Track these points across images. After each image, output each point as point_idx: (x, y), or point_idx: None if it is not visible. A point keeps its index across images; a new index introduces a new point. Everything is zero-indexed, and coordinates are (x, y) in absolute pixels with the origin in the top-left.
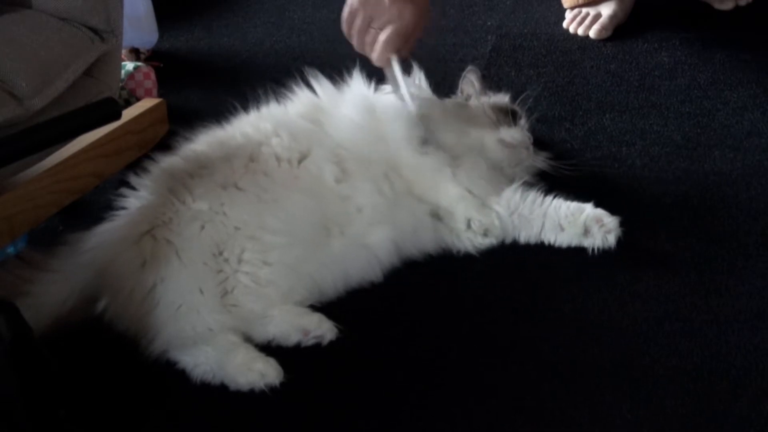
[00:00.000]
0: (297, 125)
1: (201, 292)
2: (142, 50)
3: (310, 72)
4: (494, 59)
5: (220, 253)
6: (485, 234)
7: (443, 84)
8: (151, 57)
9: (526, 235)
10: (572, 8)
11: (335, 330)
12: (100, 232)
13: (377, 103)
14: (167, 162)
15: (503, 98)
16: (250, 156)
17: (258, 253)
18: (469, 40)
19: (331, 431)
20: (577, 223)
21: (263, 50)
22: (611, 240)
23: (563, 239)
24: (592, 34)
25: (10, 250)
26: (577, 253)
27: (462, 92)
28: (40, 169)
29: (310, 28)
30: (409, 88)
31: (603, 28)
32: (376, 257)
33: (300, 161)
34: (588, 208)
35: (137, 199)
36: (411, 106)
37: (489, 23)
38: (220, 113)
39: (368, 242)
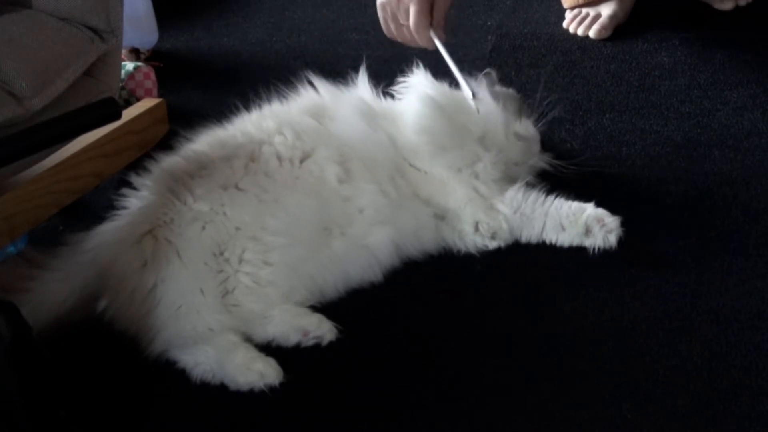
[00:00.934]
0: (301, 123)
1: (201, 292)
2: (142, 50)
3: (311, 72)
4: (494, 59)
5: (221, 254)
6: (493, 237)
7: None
8: (151, 57)
9: (528, 234)
10: (572, 8)
11: (335, 331)
12: (101, 232)
13: (382, 106)
14: (168, 162)
15: (513, 93)
16: (250, 156)
17: (259, 254)
18: (469, 40)
19: (331, 431)
20: (579, 222)
21: (263, 50)
22: (612, 240)
23: (564, 239)
24: (592, 34)
25: (11, 249)
26: (577, 253)
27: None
28: (40, 169)
29: (310, 28)
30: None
31: (603, 28)
32: (376, 258)
33: (302, 161)
34: (589, 208)
35: (138, 199)
36: (468, 91)
37: (489, 23)
38: (220, 113)
39: (368, 243)
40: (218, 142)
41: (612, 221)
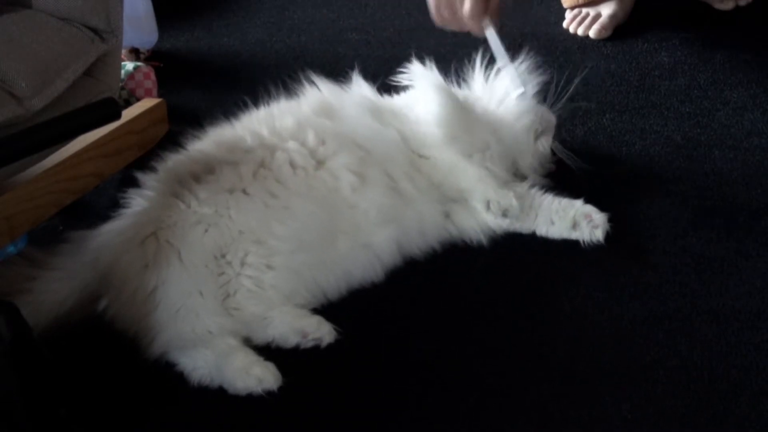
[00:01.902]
0: (320, 125)
1: (201, 294)
2: (142, 50)
3: (312, 72)
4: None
5: (223, 256)
6: (504, 214)
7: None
8: (151, 57)
9: (519, 227)
10: (572, 8)
11: (334, 332)
12: (104, 232)
13: (384, 102)
14: (174, 162)
15: (552, 117)
16: (260, 162)
17: (262, 257)
18: (469, 40)
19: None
20: (567, 217)
21: (263, 50)
22: (598, 235)
23: (554, 232)
24: (592, 34)
25: (11, 249)
26: (577, 253)
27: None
28: (40, 169)
29: (310, 28)
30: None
31: (603, 28)
32: (378, 258)
33: (317, 168)
34: (578, 204)
35: (143, 198)
36: (518, 79)
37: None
38: (220, 113)
39: (371, 243)
40: (226, 144)
41: (599, 218)
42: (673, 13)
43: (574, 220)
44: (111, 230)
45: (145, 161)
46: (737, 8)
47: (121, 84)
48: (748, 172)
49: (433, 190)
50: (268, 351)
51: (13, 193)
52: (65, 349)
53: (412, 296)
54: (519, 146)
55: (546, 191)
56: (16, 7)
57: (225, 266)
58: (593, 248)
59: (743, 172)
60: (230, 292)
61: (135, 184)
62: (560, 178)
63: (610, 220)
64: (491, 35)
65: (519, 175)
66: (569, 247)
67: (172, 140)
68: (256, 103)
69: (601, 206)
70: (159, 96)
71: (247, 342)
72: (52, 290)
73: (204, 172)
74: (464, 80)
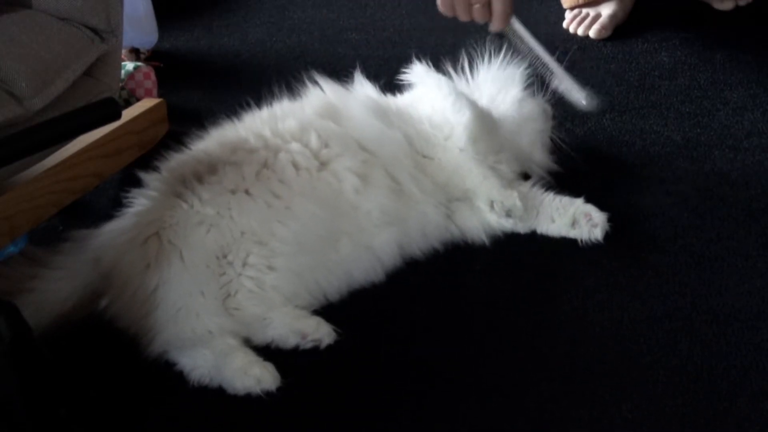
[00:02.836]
0: (325, 127)
1: (202, 294)
2: (142, 50)
3: (313, 72)
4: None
5: (225, 256)
6: (508, 214)
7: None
8: (151, 57)
9: (522, 226)
10: (572, 8)
11: (333, 334)
12: (107, 231)
13: (388, 101)
14: (177, 162)
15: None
16: (263, 163)
17: (264, 258)
18: (469, 40)
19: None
20: (567, 215)
21: (263, 50)
22: (597, 234)
23: (554, 230)
24: (592, 34)
25: (12, 249)
26: (577, 253)
27: None
28: (40, 169)
29: (310, 28)
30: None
31: (603, 28)
32: (379, 259)
33: (320, 170)
34: (578, 202)
35: (146, 198)
36: (551, 66)
37: (489, 23)
38: (220, 113)
39: (373, 244)
40: (229, 144)
41: (598, 217)
42: (673, 13)
43: (573, 218)
44: (113, 230)
45: (146, 161)
46: (737, 8)
47: (121, 84)
48: (748, 172)
49: (437, 192)
50: (268, 351)
51: (13, 193)
52: (65, 349)
53: (412, 296)
54: (531, 144)
55: (546, 190)
56: (16, 7)
57: (226, 267)
58: (593, 248)
59: (743, 172)
60: (231, 292)
61: (137, 183)
62: (561, 178)
63: (609, 220)
64: (519, 27)
65: (523, 174)
66: (569, 247)
67: (173, 140)
68: (258, 103)
69: (600, 206)
70: (159, 96)
71: (247, 342)
72: (54, 289)
73: (207, 172)
74: (468, 78)
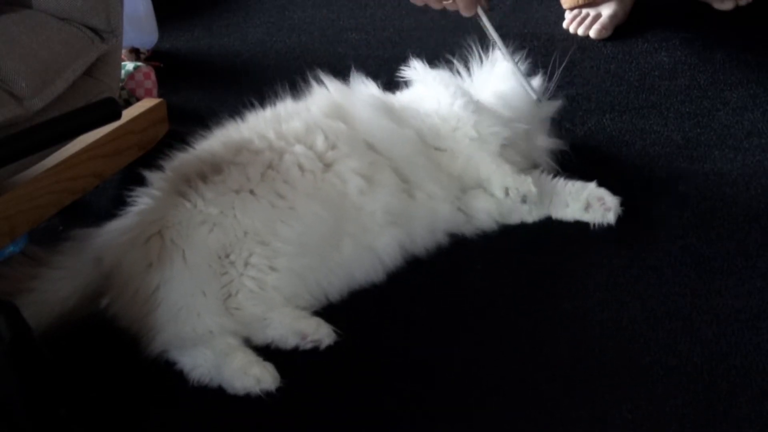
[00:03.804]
0: (332, 126)
1: (204, 294)
2: (142, 50)
3: (317, 71)
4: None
5: (227, 256)
6: (523, 200)
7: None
8: (151, 57)
9: (537, 213)
10: (572, 8)
11: (333, 334)
12: (108, 231)
13: (392, 99)
14: (181, 161)
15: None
16: (268, 164)
17: (266, 259)
18: (468, 40)
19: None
20: (580, 198)
21: (263, 50)
22: (610, 217)
23: (568, 214)
24: (592, 34)
25: (13, 249)
26: (577, 253)
27: None
28: (40, 169)
29: (310, 28)
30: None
31: (603, 28)
32: (380, 261)
33: (324, 172)
34: (591, 186)
35: (149, 197)
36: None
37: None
38: (222, 113)
39: (375, 245)
40: (234, 144)
41: (611, 200)
42: (673, 13)
43: (587, 202)
44: (115, 229)
45: (146, 161)
46: (737, 8)
47: (121, 84)
48: (748, 172)
49: (452, 186)
50: (268, 351)
51: (13, 193)
52: (65, 349)
53: (412, 296)
54: (537, 133)
55: (556, 176)
56: (16, 7)
57: (228, 266)
58: (593, 248)
59: (743, 172)
60: (232, 292)
61: (138, 182)
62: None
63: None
64: (484, 17)
65: (532, 162)
66: (569, 247)
67: (174, 140)
68: (260, 103)
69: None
70: (159, 96)
71: (247, 342)
72: (55, 289)
73: (211, 172)
74: (468, 75)
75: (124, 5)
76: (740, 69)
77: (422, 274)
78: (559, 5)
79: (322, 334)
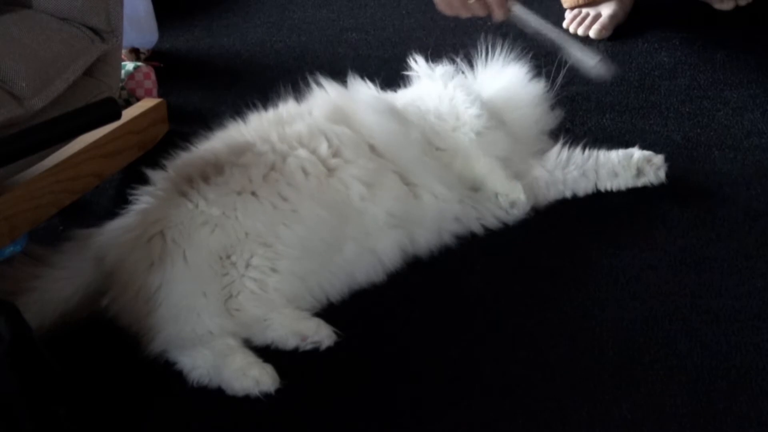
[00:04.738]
0: (336, 131)
1: (204, 295)
2: (142, 50)
3: (315, 73)
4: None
5: (228, 257)
6: (512, 206)
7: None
8: (151, 57)
9: (584, 187)
10: (572, 8)
11: (333, 336)
12: (110, 230)
13: (392, 99)
14: (184, 161)
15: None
16: (271, 166)
17: (267, 260)
18: (468, 40)
19: None
20: (631, 165)
21: (263, 50)
22: (662, 175)
23: (617, 184)
24: (592, 34)
25: (14, 249)
26: (576, 252)
27: None
28: (40, 169)
29: (310, 28)
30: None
31: (603, 28)
32: (381, 262)
33: (328, 176)
34: (636, 151)
35: (151, 196)
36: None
37: (489, 23)
38: (222, 113)
39: (376, 247)
40: (236, 146)
41: (659, 158)
42: (673, 13)
43: (638, 167)
44: (116, 228)
45: (146, 161)
46: (737, 8)
47: (121, 84)
48: (748, 172)
49: (459, 186)
50: (268, 352)
51: (13, 193)
52: (65, 349)
53: (412, 296)
54: (537, 126)
55: (584, 149)
56: (16, 7)
57: (229, 267)
58: (593, 248)
59: (743, 172)
60: (233, 293)
61: (139, 181)
62: None
63: (608, 220)
64: (520, 10)
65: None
66: (569, 247)
67: (174, 140)
68: (261, 103)
69: (600, 206)
70: (159, 96)
71: (247, 343)
72: (57, 288)
73: (214, 173)
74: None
75: (124, 5)
76: (740, 69)
77: (422, 274)
78: (559, 5)
79: (322, 335)
